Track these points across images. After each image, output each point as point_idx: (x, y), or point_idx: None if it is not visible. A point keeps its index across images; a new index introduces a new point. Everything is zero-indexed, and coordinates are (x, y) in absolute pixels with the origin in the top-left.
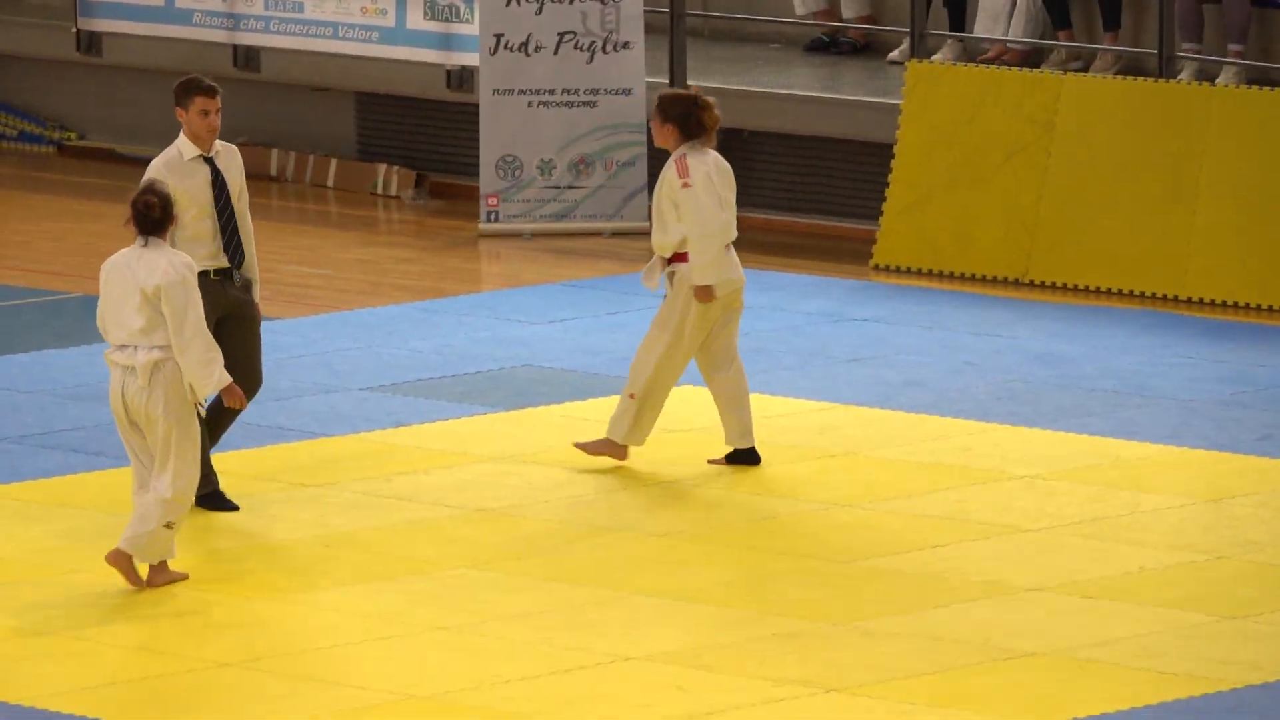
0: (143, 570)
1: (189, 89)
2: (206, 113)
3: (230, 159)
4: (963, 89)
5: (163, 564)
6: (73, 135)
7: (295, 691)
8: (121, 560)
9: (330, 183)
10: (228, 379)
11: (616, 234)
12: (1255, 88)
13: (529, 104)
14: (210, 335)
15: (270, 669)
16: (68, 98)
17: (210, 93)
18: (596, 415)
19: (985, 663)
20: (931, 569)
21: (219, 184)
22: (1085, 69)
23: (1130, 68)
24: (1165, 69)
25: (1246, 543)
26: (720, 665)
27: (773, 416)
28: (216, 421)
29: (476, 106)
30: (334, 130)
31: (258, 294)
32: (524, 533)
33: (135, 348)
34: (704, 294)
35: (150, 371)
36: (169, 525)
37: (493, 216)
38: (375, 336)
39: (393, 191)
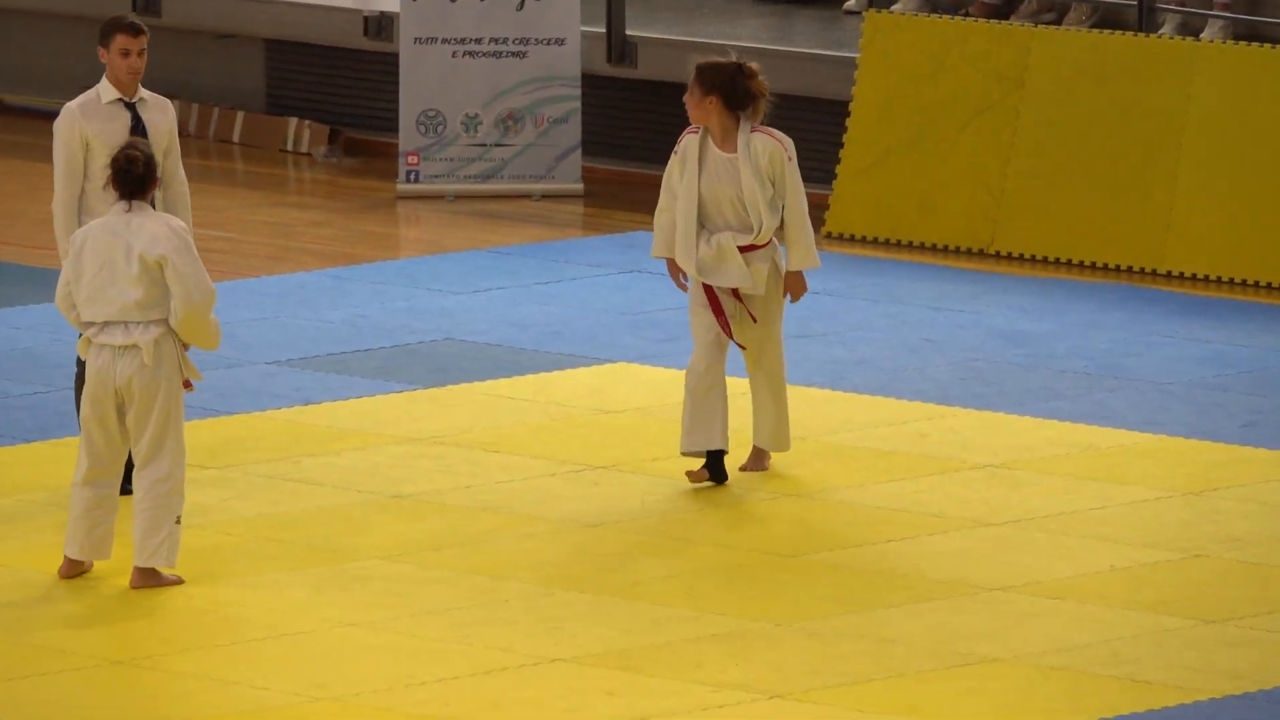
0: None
1: (111, 27)
2: (127, 52)
3: (159, 110)
4: (925, 42)
5: (153, 569)
6: None
7: (191, 691)
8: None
9: (236, 138)
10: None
11: (547, 196)
12: (1242, 44)
13: (453, 54)
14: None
15: (164, 666)
16: None
17: (132, 31)
18: (523, 394)
19: (941, 668)
20: (885, 565)
21: (139, 132)
22: (1058, 21)
23: (1107, 20)
24: (1145, 22)
25: (1228, 539)
26: (653, 668)
27: None
28: None
29: (396, 56)
30: (241, 81)
31: None
32: (442, 521)
33: (131, 324)
34: (802, 284)
35: (156, 349)
36: (178, 521)
37: (413, 176)
38: (283, 306)
39: (304, 148)
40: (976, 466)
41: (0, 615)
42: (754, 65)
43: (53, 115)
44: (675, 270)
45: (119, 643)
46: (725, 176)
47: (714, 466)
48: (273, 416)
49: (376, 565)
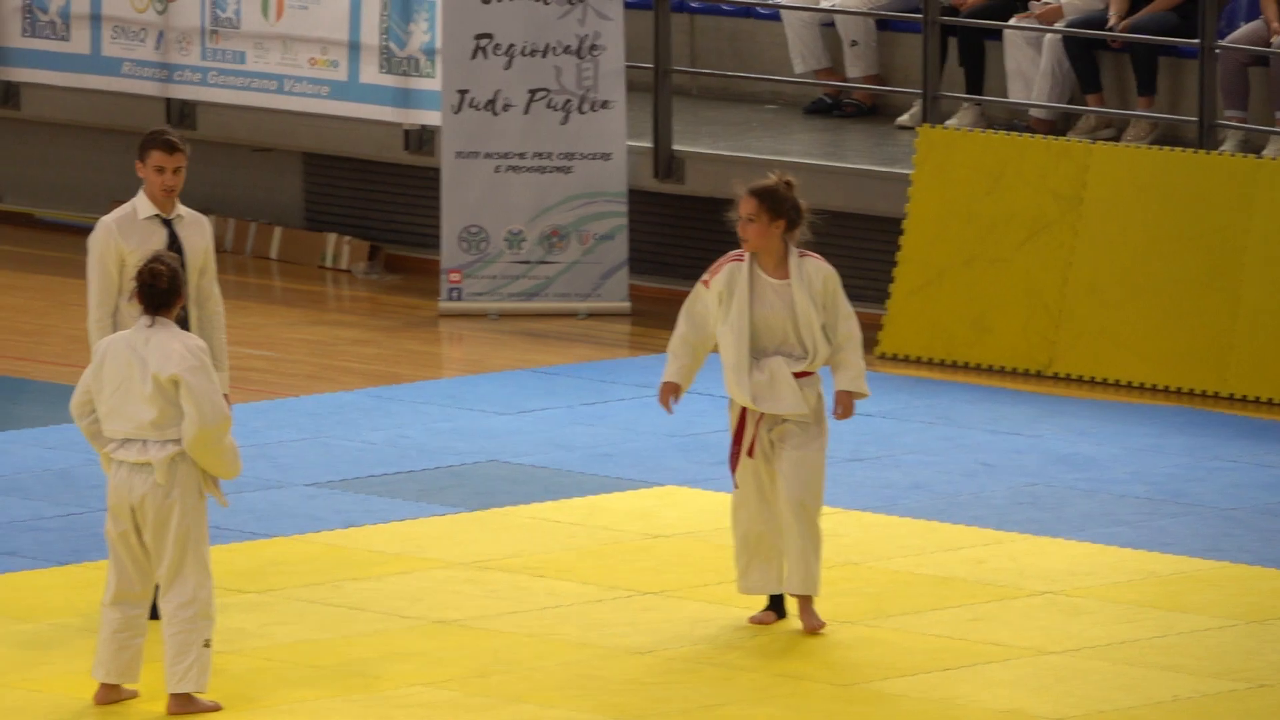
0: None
1: (148, 142)
2: (162, 169)
3: (196, 228)
4: (980, 158)
5: (188, 694)
6: None
7: None
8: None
9: (274, 254)
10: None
11: (593, 315)
12: None
13: (496, 169)
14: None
15: None
16: None
17: (169, 148)
18: (569, 517)
19: None
20: (941, 694)
21: (175, 250)
22: (1117, 137)
23: (1167, 137)
24: (1206, 138)
25: None
26: None
27: None
28: None
29: (437, 171)
30: (278, 196)
31: (225, 384)
32: (488, 646)
33: (146, 442)
34: (852, 403)
35: (170, 469)
36: (208, 644)
37: (455, 294)
38: (324, 426)
39: (344, 264)
40: (1034, 593)
41: None
42: (794, 180)
43: (85, 230)
44: (666, 393)
45: None
46: (778, 304)
47: (777, 606)
48: (313, 539)
49: (419, 692)
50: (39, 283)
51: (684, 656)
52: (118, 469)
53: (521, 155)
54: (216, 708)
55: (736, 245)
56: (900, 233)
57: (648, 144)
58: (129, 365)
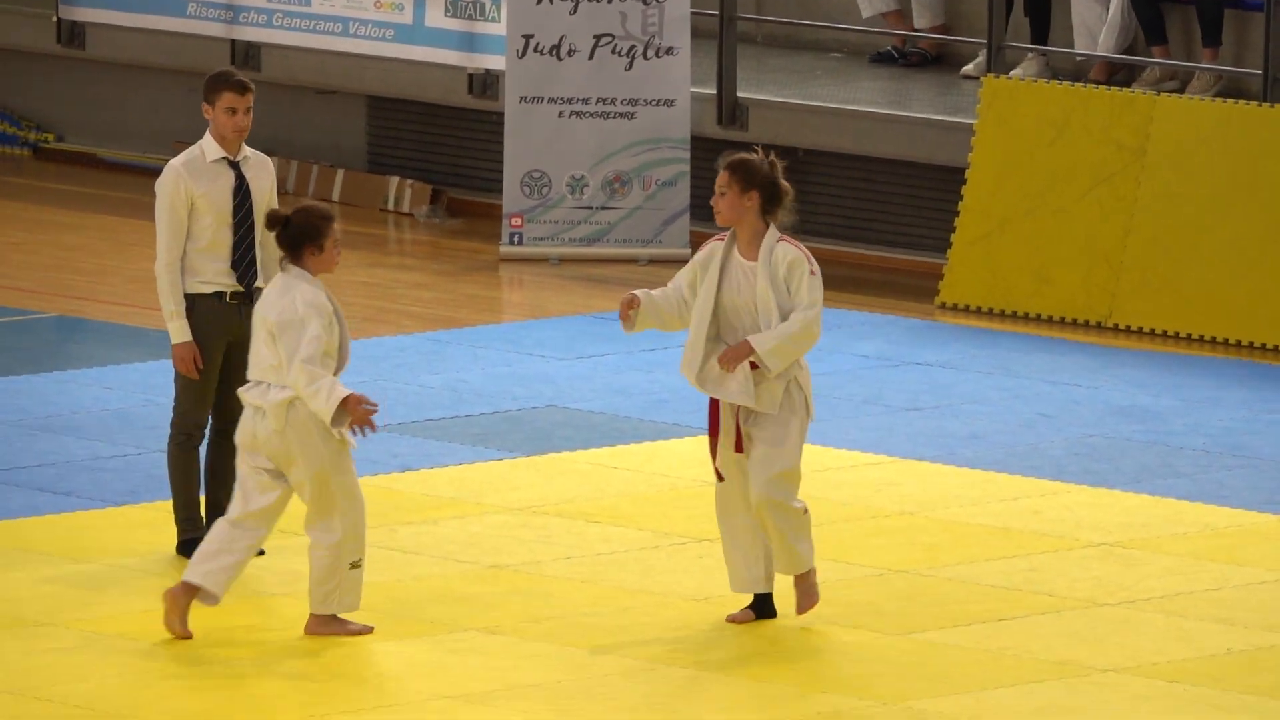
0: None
1: (217, 82)
2: (234, 110)
3: (261, 169)
4: (1044, 108)
5: (331, 615)
6: (50, 137)
7: None
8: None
9: (336, 196)
10: (342, 392)
11: (654, 261)
12: None
13: (560, 114)
14: (314, 362)
15: None
16: (45, 95)
17: (240, 89)
18: (627, 463)
19: None
20: (994, 644)
21: (242, 191)
22: (1181, 89)
23: (1231, 89)
24: (1270, 91)
25: None
26: None
27: (823, 470)
28: (216, 461)
29: (501, 115)
30: (342, 138)
31: None
32: (541, 592)
33: (268, 386)
34: (740, 357)
35: (284, 413)
36: (355, 565)
37: (516, 239)
38: (381, 369)
39: (405, 208)
40: (1090, 544)
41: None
42: (782, 162)
43: (147, 170)
44: (626, 308)
45: (198, 717)
46: (745, 286)
47: (760, 606)
48: (369, 483)
49: (473, 638)
50: (99, 223)
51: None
52: (246, 409)
53: (585, 101)
54: (366, 630)
55: (796, 192)
56: (963, 182)
57: (711, 91)
58: (259, 308)
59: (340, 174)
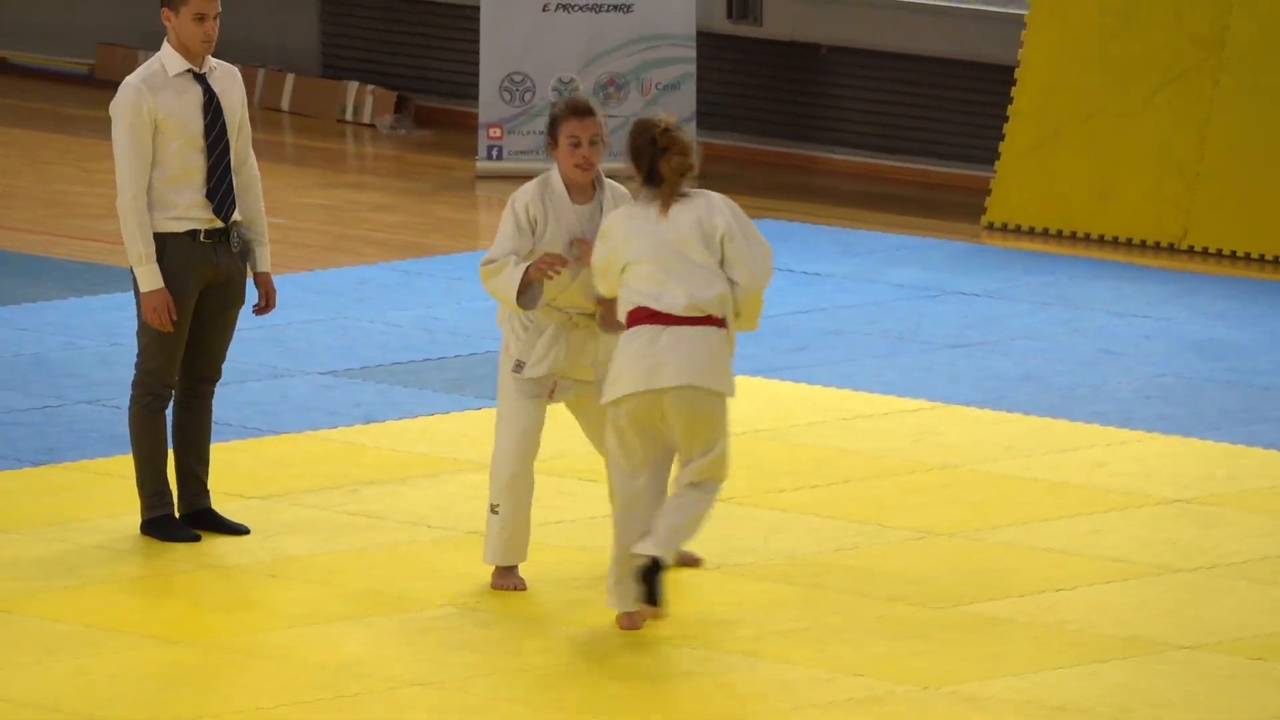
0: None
1: None
2: (203, 17)
3: (229, 82)
4: None
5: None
6: None
7: None
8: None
9: (285, 105)
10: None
11: None
12: None
13: (544, 6)
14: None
15: None
16: None
17: None
18: None
19: None
20: (1053, 618)
21: (212, 109)
22: None
23: None
24: None
25: None
26: None
27: (853, 418)
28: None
29: (475, 9)
30: (291, 38)
31: (266, 261)
32: (526, 562)
33: None
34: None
35: None
36: (493, 509)
37: (495, 152)
38: (341, 305)
39: (366, 118)
40: (1163, 501)
41: None
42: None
43: (63, 78)
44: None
45: (133, 702)
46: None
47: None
48: (327, 437)
49: (448, 615)
50: (8, 137)
51: (756, 574)
52: None
53: None
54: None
55: (818, 96)
56: (1012, 83)
57: None
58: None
59: (290, 79)
